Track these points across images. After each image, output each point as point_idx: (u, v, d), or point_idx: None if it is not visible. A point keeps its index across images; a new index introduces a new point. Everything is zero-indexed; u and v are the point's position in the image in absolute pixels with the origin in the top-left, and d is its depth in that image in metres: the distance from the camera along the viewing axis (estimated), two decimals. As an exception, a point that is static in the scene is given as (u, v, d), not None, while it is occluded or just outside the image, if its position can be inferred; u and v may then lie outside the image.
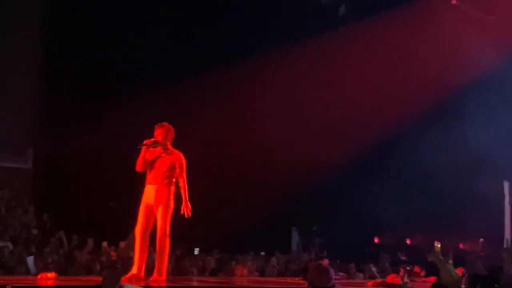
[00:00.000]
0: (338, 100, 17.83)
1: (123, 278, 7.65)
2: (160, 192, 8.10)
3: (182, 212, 8.09)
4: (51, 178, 17.42)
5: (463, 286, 5.47)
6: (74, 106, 17.04)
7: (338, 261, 12.75)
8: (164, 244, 8.09)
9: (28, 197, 17.48)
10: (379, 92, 17.46)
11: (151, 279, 7.98)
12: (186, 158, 8.40)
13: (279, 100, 17.50)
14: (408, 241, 18.26)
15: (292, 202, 17.09)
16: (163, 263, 8.15)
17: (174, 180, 8.24)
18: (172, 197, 8.19)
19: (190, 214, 8.12)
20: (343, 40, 17.52)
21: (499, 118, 16.98)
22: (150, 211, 8.15)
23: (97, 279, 8.36)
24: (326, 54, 17.77)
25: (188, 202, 8.14)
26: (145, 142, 8.15)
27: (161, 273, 8.11)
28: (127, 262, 10.19)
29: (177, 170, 8.18)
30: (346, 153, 17.34)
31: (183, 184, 8.19)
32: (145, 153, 8.20)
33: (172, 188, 8.22)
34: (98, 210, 16.66)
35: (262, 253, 14.25)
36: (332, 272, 4.59)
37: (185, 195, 8.17)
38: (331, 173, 17.39)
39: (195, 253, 14.27)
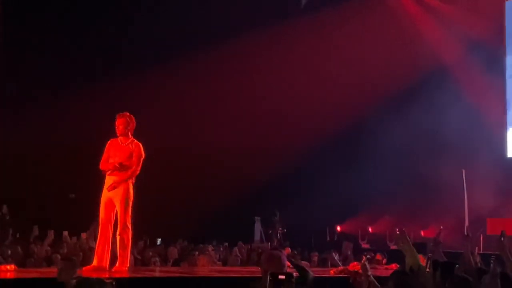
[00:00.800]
0: (298, 89, 17.96)
1: (84, 269, 7.60)
2: (118, 183, 8.05)
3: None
4: (10, 169, 17.13)
5: (428, 270, 5.56)
6: (31, 93, 16.74)
7: (296, 252, 12.68)
8: (125, 235, 8.07)
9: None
10: (338, 84, 17.66)
11: (113, 269, 7.94)
12: (147, 149, 8.37)
13: (238, 87, 17.49)
14: (370, 229, 18.45)
15: (254, 192, 17.13)
16: (125, 254, 8.12)
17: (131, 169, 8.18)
18: (130, 187, 8.13)
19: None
20: (319, 23, 17.70)
21: (459, 106, 17.24)
22: (110, 202, 8.11)
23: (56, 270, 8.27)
24: (295, 38, 17.88)
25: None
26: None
27: (124, 263, 8.08)
28: (89, 253, 10.11)
29: (133, 159, 8.14)
30: (307, 142, 17.45)
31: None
32: (109, 151, 8.17)
33: (131, 179, 8.17)
34: (58, 202, 16.48)
35: (226, 243, 14.21)
36: (284, 259, 4.71)
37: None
38: (292, 162, 17.48)
39: (157, 244, 14.19)
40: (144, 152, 8.32)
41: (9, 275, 7.52)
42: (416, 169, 17.30)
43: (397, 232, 9.35)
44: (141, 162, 8.23)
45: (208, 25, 17.36)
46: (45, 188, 16.50)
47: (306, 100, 17.79)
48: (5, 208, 15.79)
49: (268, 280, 3.37)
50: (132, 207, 8.22)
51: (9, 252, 10.38)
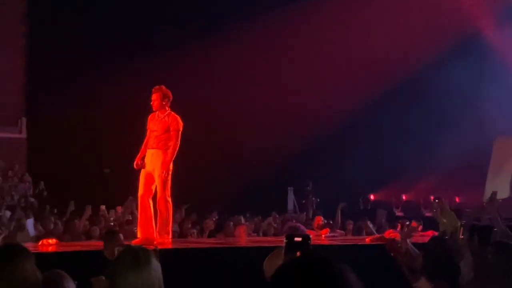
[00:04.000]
0: (330, 58, 17.84)
1: (132, 243, 7.66)
2: (156, 157, 8.07)
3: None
4: (45, 146, 17.42)
5: (462, 236, 5.55)
6: (64, 73, 16.95)
7: (328, 221, 12.67)
8: (163, 208, 8.07)
9: (24, 166, 17.50)
10: (369, 55, 17.52)
11: (155, 242, 7.95)
12: (182, 122, 8.37)
13: (273, 59, 17.46)
14: (403, 197, 18.38)
15: (287, 162, 17.16)
16: (166, 227, 8.14)
17: (170, 144, 8.17)
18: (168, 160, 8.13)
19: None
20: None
21: (498, 77, 17.02)
22: (149, 176, 8.13)
23: (96, 243, 8.41)
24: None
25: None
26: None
27: (164, 236, 8.11)
28: (125, 227, 10.27)
29: (171, 133, 8.13)
30: (340, 111, 17.38)
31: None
32: (148, 126, 8.24)
33: (168, 151, 8.16)
34: (93, 177, 16.71)
35: (259, 215, 14.29)
36: (303, 229, 4.86)
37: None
38: (325, 131, 17.44)
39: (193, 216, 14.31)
40: (182, 124, 8.24)
41: (51, 249, 7.69)
42: (448, 136, 17.16)
43: (432, 200, 9.28)
44: (179, 135, 8.20)
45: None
46: (80, 164, 16.74)
47: (339, 69, 17.70)
48: (42, 185, 16.11)
49: (284, 243, 3.33)
50: (172, 180, 8.21)
51: (52, 225, 10.62)
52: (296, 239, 3.30)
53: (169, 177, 8.13)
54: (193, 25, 17.58)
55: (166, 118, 8.18)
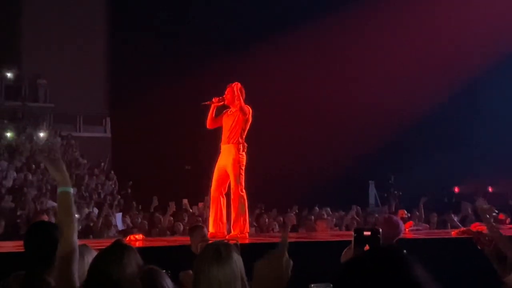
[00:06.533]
0: (415, 53, 17.54)
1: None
2: (228, 151, 8.08)
3: None
4: (129, 144, 17.88)
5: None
6: (146, 74, 17.33)
7: (413, 214, 12.41)
8: (238, 203, 8.05)
9: (109, 164, 18.03)
10: (447, 51, 17.12)
11: (228, 236, 7.96)
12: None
13: (354, 57, 17.31)
14: (490, 189, 17.80)
15: (368, 156, 16.96)
16: (240, 221, 8.13)
17: (240, 138, 8.15)
18: (240, 154, 8.14)
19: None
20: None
21: None
22: (222, 171, 8.14)
23: (181, 238, 8.55)
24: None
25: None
26: (213, 100, 8.24)
27: (241, 230, 8.10)
28: (207, 222, 10.37)
29: (240, 123, 8.12)
30: (423, 103, 17.05)
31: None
32: (213, 111, 8.25)
33: (240, 146, 8.15)
34: (175, 173, 17.01)
35: (340, 210, 14.17)
36: (402, 225, 4.67)
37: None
38: (407, 123, 17.14)
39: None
40: (252, 116, 8.19)
41: (138, 244, 7.86)
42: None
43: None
44: (247, 126, 8.18)
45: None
46: (162, 161, 17.08)
47: (419, 65, 17.38)
48: (130, 183, 16.52)
49: (353, 237, 3.21)
50: (245, 173, 8.19)
51: (139, 220, 10.88)
52: (365, 233, 3.18)
53: (242, 171, 8.11)
54: (276, 21, 17.63)
55: (237, 112, 8.18)
